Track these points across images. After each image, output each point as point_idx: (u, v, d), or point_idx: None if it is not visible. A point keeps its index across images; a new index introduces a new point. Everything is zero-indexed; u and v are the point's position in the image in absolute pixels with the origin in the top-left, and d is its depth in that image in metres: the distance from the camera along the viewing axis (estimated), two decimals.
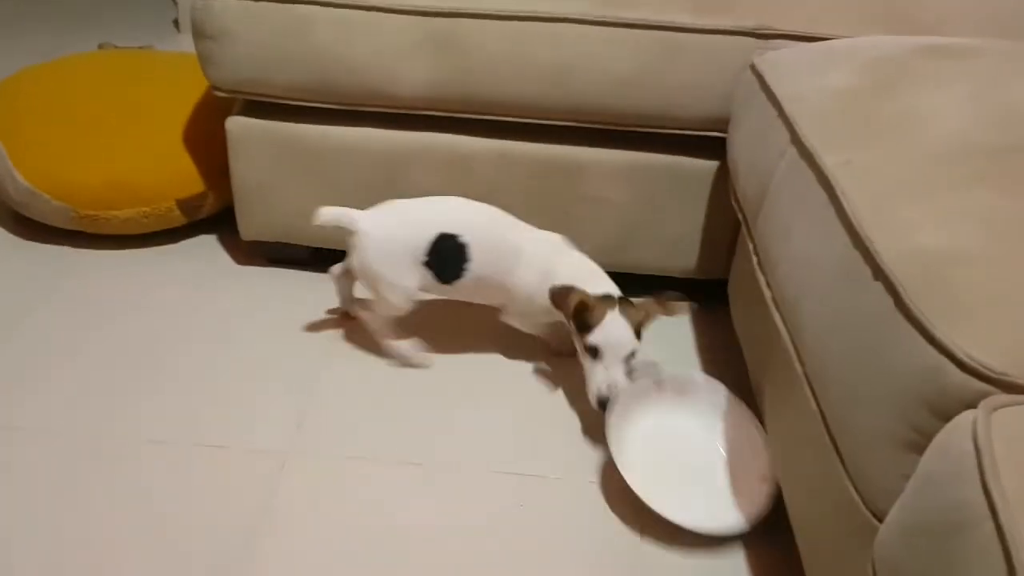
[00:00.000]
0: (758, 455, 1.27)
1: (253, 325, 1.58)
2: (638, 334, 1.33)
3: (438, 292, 1.47)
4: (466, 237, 1.40)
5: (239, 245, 1.74)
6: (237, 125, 1.56)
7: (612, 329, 1.31)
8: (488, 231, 1.43)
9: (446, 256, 1.41)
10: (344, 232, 1.41)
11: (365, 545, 1.19)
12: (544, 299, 1.36)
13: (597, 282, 1.37)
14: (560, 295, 1.34)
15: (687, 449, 1.35)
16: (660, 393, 1.39)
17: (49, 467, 1.27)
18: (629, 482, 1.22)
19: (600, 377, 1.32)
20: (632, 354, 1.32)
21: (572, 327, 1.35)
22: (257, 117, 1.56)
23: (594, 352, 1.32)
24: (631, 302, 1.35)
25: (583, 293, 1.33)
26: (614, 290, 1.37)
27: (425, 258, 1.40)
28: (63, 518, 1.20)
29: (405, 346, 1.51)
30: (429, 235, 1.40)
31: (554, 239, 1.47)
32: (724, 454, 1.34)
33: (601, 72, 1.43)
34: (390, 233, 1.40)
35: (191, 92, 1.80)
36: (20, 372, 1.44)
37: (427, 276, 1.42)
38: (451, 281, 1.43)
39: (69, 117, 1.74)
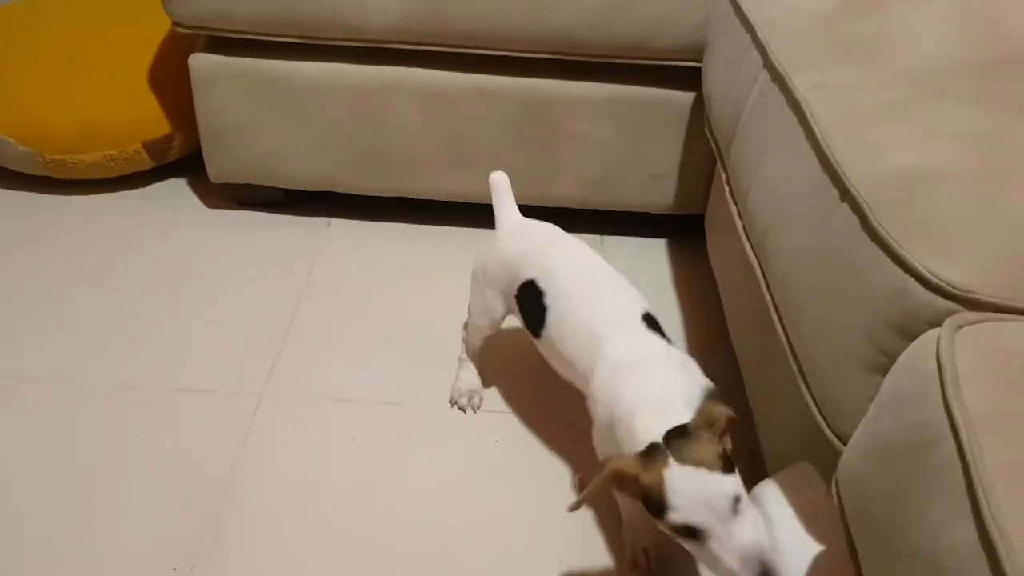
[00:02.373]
0: None
1: (225, 268, 1.56)
2: (727, 464, 0.86)
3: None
4: (541, 282, 1.15)
5: (209, 188, 1.71)
6: (201, 62, 1.52)
7: (685, 487, 0.85)
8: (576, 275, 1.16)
9: (528, 301, 1.18)
10: None
11: (340, 485, 1.19)
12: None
13: (664, 414, 0.92)
14: (619, 483, 0.90)
15: None
16: None
17: (22, 413, 1.26)
18: None
19: (729, 556, 0.83)
20: (737, 499, 0.84)
21: (644, 512, 0.90)
22: (222, 54, 1.51)
23: (690, 532, 0.85)
24: (690, 430, 0.89)
25: (619, 462, 0.90)
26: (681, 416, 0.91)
27: (515, 293, 1.19)
28: (38, 463, 1.19)
29: (467, 378, 1.34)
30: (525, 274, 1.17)
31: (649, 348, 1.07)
32: None
33: (578, 2, 1.39)
34: (504, 249, 1.22)
35: (157, 31, 1.75)
36: None
37: (510, 309, 1.23)
38: (537, 331, 1.16)
39: (33, 60, 1.70)
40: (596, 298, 1.13)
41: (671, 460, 0.85)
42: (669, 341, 1.09)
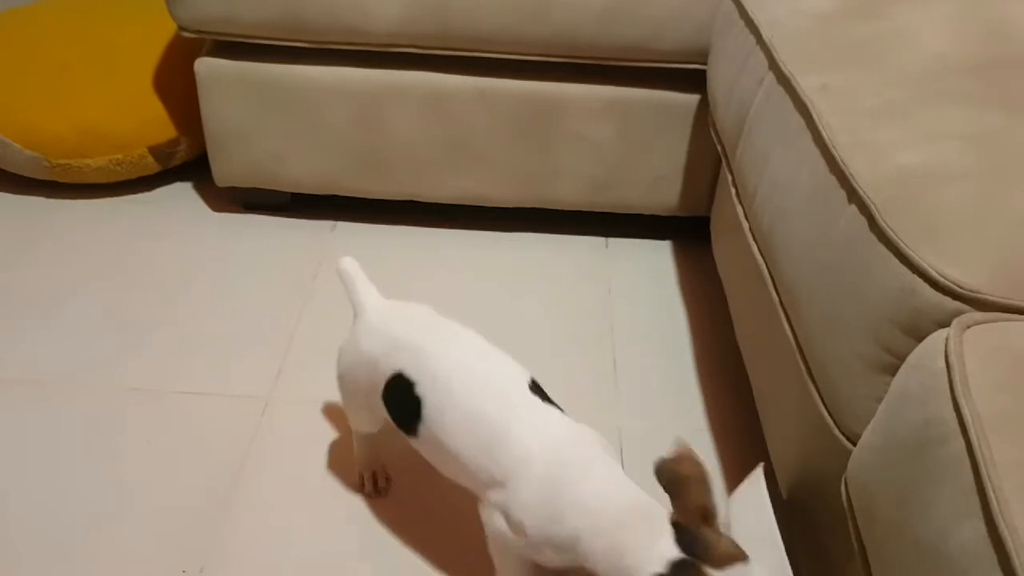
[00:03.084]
0: None
1: (231, 272, 1.57)
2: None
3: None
4: (414, 379, 0.98)
5: (214, 192, 1.72)
6: (206, 67, 1.52)
7: None
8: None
9: (398, 398, 1.01)
10: None
11: (348, 487, 1.19)
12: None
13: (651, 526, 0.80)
14: None
15: None
16: None
17: (30, 418, 1.26)
18: None
19: None
20: None
21: None
22: (227, 58, 1.52)
23: None
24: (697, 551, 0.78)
25: None
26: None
27: (381, 391, 1.03)
28: (45, 468, 1.19)
29: (364, 464, 1.20)
30: (388, 371, 1.01)
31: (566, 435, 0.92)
32: None
33: (580, 3, 1.40)
34: (377, 339, 1.04)
35: (163, 35, 1.76)
36: None
37: (381, 413, 1.05)
38: (414, 429, 0.99)
39: (40, 65, 1.70)
40: (482, 376, 0.95)
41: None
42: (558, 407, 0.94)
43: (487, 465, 0.89)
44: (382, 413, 1.03)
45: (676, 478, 0.78)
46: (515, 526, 0.89)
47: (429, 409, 0.94)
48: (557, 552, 0.86)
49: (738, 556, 0.76)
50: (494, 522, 0.91)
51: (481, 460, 0.90)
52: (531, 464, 0.86)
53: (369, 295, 1.09)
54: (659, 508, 0.81)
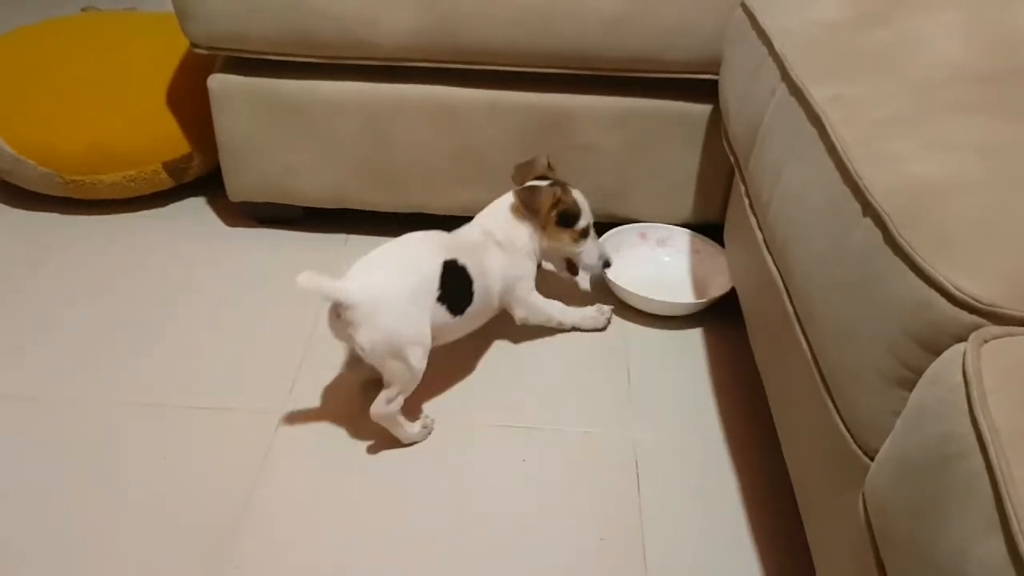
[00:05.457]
0: (721, 270, 1.52)
1: (244, 287, 1.57)
2: None
3: (442, 336, 1.28)
4: (460, 258, 1.28)
5: (228, 207, 1.73)
6: (219, 83, 1.53)
7: (586, 205, 1.42)
8: (460, 244, 1.33)
9: (455, 286, 1.27)
10: (336, 311, 1.18)
11: (361, 502, 1.19)
12: (521, 248, 1.38)
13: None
14: (530, 198, 1.37)
15: (665, 273, 1.62)
16: (644, 241, 1.65)
17: (44, 433, 1.27)
18: (618, 286, 1.52)
19: (598, 249, 1.46)
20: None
21: (552, 225, 1.40)
22: (239, 74, 1.53)
23: (586, 232, 1.43)
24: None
25: (550, 188, 1.39)
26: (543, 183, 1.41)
27: (438, 292, 1.24)
28: (59, 483, 1.20)
29: (415, 425, 1.28)
30: (435, 269, 1.24)
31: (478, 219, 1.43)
32: (693, 273, 1.62)
33: (588, 13, 1.40)
34: (394, 286, 1.20)
35: (175, 52, 1.77)
36: (12, 340, 1.43)
37: (440, 315, 1.25)
38: (464, 310, 1.29)
39: (53, 82, 1.72)
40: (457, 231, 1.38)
41: (571, 189, 1.41)
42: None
43: (493, 290, 1.36)
44: (429, 330, 1.23)
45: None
46: (527, 278, 1.42)
47: (470, 269, 1.29)
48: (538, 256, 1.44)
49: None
50: (526, 299, 1.43)
51: (493, 289, 1.36)
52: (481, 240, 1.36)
53: (340, 282, 1.19)
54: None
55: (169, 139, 1.70)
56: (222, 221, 1.74)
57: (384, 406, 1.21)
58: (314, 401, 1.34)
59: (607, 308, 1.51)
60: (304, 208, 1.70)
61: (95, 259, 1.63)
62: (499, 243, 1.37)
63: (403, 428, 1.25)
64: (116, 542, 1.12)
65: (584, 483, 1.23)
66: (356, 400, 1.34)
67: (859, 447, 0.79)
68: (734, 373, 1.42)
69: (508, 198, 1.41)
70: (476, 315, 1.33)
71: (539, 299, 1.44)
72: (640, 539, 1.15)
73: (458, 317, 1.28)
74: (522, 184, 1.42)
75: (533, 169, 1.44)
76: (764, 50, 1.17)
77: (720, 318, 1.52)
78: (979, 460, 0.59)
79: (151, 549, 1.12)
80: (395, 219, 1.68)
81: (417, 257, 1.26)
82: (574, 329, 1.49)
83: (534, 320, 1.44)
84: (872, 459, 0.76)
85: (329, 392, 1.36)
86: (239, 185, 1.65)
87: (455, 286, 1.27)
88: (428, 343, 1.22)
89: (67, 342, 1.43)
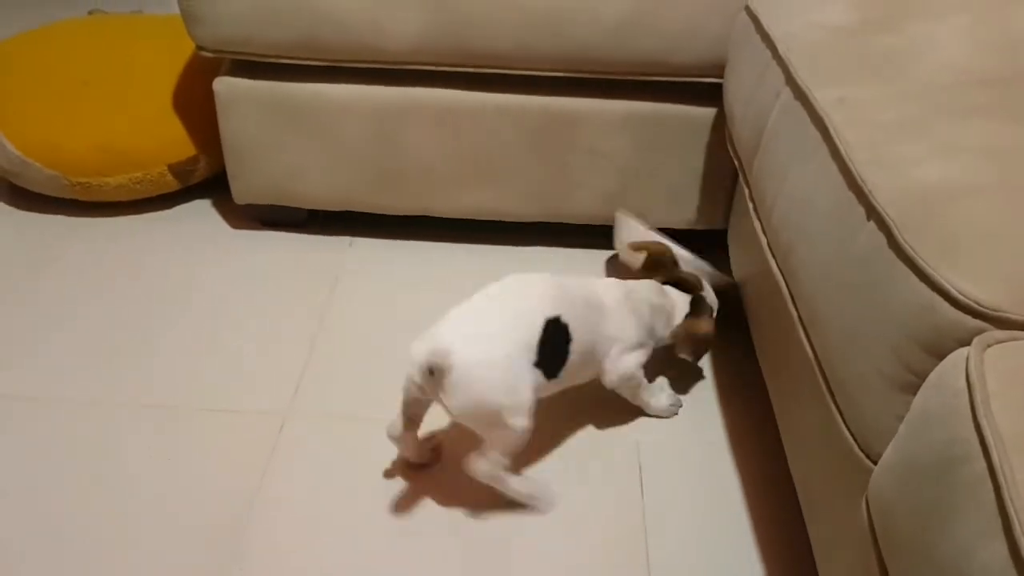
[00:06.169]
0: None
1: (250, 289, 1.58)
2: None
3: (538, 394, 1.15)
4: (562, 314, 1.14)
5: (233, 209, 1.73)
6: (225, 86, 1.54)
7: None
8: (566, 295, 1.18)
9: (553, 344, 1.13)
10: (430, 368, 1.05)
11: (367, 504, 1.19)
12: (649, 328, 1.27)
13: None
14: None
15: None
16: None
17: (49, 434, 1.27)
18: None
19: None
20: None
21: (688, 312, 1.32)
22: (245, 77, 1.53)
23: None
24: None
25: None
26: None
27: (536, 357, 1.11)
28: (62, 483, 1.20)
29: (528, 482, 1.20)
30: (537, 327, 1.11)
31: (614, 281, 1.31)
32: None
33: (595, 17, 1.40)
34: (495, 346, 1.09)
35: (182, 55, 1.78)
36: (18, 340, 1.44)
37: (537, 379, 1.12)
38: (558, 372, 1.15)
39: (60, 84, 1.73)
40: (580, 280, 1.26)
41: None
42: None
43: (598, 344, 1.21)
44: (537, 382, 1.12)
45: (651, 260, 1.38)
46: (633, 348, 1.26)
47: (571, 325, 1.15)
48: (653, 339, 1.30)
49: (698, 281, 1.36)
50: (623, 362, 1.25)
51: (597, 347, 1.22)
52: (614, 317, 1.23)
53: (443, 331, 1.08)
54: (657, 285, 1.34)
55: (175, 142, 1.70)
56: (227, 223, 1.74)
57: (485, 465, 1.12)
58: (319, 403, 1.34)
59: (678, 398, 1.38)
60: (309, 211, 1.70)
61: (100, 260, 1.63)
62: (625, 300, 1.26)
63: (510, 484, 1.16)
64: (118, 543, 1.13)
65: (587, 485, 1.23)
66: (362, 398, 1.34)
67: (863, 451, 0.80)
68: (737, 376, 1.42)
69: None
70: (570, 376, 1.19)
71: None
72: (643, 541, 1.15)
73: (551, 381, 1.15)
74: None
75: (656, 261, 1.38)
76: (768, 53, 1.17)
77: (724, 321, 1.52)
78: (982, 464, 0.59)
79: (154, 550, 1.12)
80: (400, 222, 1.69)
81: (522, 318, 1.13)
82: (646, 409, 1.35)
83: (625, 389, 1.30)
84: (875, 463, 0.76)
85: (334, 394, 1.36)
86: (244, 188, 1.65)
87: (553, 346, 1.13)
88: (529, 406, 1.10)
89: (72, 343, 1.44)
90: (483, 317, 1.12)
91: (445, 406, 1.08)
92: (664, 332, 1.30)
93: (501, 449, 1.12)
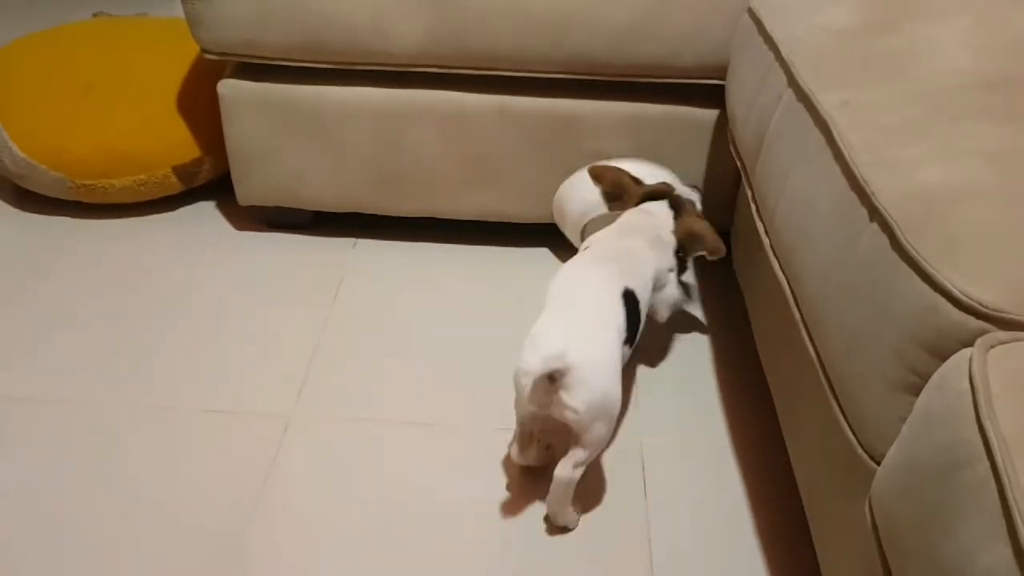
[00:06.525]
0: None
1: (253, 290, 1.58)
2: None
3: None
4: (627, 283, 1.20)
5: (238, 211, 1.73)
6: (229, 88, 1.54)
7: None
8: (617, 263, 1.23)
9: (635, 316, 1.19)
10: (551, 378, 1.04)
11: (370, 507, 1.19)
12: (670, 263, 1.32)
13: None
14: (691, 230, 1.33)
15: None
16: None
17: (53, 435, 1.28)
18: None
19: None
20: None
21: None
22: (249, 79, 1.54)
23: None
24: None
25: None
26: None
27: (626, 334, 1.16)
28: (63, 485, 1.20)
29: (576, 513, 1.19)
30: (619, 306, 1.16)
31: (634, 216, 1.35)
32: None
33: (598, 21, 1.40)
34: (598, 336, 1.12)
35: (186, 57, 1.78)
36: (22, 342, 1.44)
37: (625, 356, 1.17)
38: (636, 338, 1.21)
39: (64, 87, 1.73)
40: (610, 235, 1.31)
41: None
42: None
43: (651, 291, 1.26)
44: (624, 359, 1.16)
45: (609, 185, 1.38)
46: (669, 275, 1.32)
47: (638, 291, 1.21)
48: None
49: (667, 185, 1.38)
50: (667, 294, 1.33)
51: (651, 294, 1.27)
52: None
53: (545, 344, 1.08)
54: (637, 209, 1.36)
55: (179, 143, 1.71)
56: (231, 225, 1.75)
57: (571, 471, 1.10)
58: (322, 405, 1.34)
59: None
60: (312, 212, 1.70)
61: (104, 262, 1.64)
62: (655, 243, 1.30)
63: (571, 510, 1.16)
64: (120, 545, 1.13)
65: (590, 485, 1.23)
66: (365, 399, 1.35)
67: (865, 452, 0.80)
68: (740, 377, 1.42)
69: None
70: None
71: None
72: (647, 541, 1.15)
73: (627, 348, 1.19)
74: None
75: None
76: (771, 56, 1.17)
77: (726, 322, 1.52)
78: (985, 466, 0.59)
79: (156, 552, 1.12)
80: (403, 223, 1.69)
81: (605, 302, 1.16)
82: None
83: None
84: (879, 464, 0.76)
85: (337, 396, 1.36)
86: (248, 190, 1.66)
87: (630, 316, 1.18)
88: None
89: (75, 344, 1.44)
90: (570, 315, 1.14)
91: (569, 408, 1.06)
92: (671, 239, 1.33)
93: (597, 445, 1.12)
